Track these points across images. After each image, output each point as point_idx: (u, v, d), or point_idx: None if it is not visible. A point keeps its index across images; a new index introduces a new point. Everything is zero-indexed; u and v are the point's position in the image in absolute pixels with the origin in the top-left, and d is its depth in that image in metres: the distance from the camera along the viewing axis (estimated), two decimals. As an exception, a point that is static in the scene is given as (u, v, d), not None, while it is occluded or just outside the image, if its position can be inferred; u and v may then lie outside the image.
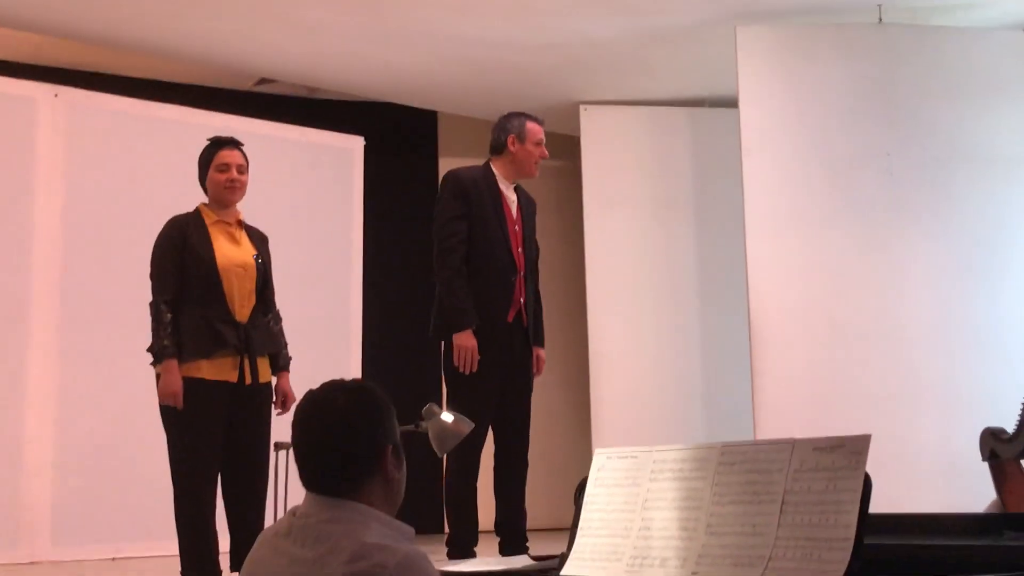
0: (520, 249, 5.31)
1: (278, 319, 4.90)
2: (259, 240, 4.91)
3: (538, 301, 5.49)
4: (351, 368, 7.87)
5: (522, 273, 5.30)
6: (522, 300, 5.29)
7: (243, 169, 4.83)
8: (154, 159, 7.20)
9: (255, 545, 2.19)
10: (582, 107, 8.18)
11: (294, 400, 4.87)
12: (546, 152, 5.45)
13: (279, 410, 4.85)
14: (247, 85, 8.51)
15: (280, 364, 4.87)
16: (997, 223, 6.71)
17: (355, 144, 8.21)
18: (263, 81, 8.41)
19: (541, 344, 5.46)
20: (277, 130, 7.73)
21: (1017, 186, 6.76)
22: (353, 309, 8.02)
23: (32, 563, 6.52)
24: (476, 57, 7.52)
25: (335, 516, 2.07)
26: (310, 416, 2.16)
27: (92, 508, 6.74)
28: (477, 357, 5.11)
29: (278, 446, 4.59)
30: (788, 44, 6.79)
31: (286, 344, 4.92)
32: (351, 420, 2.12)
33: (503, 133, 5.40)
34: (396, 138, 8.94)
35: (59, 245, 6.83)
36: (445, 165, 9.17)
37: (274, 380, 4.87)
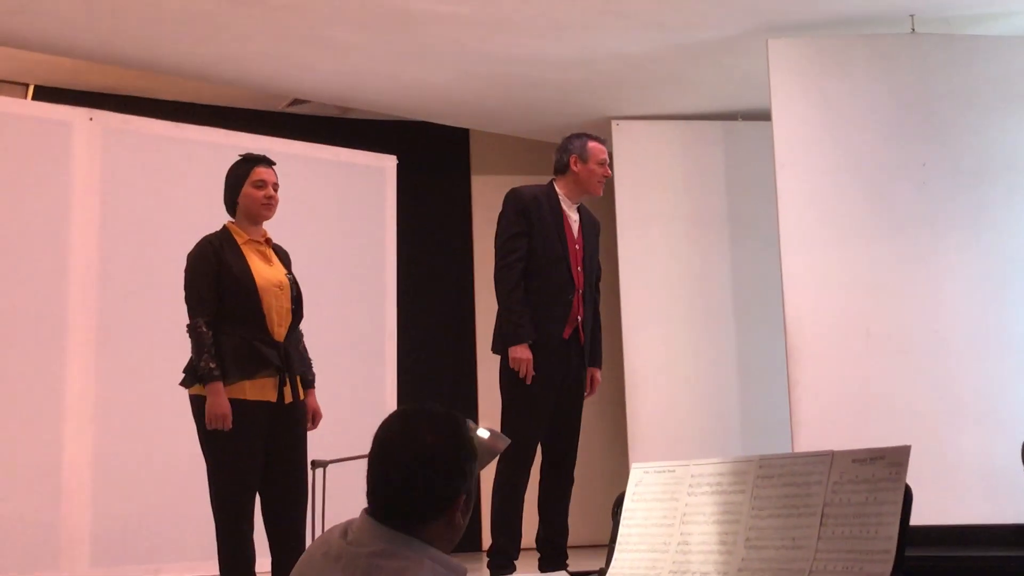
0: (580, 268, 5.35)
1: (300, 336, 4.90)
2: (286, 258, 4.92)
3: (597, 321, 5.51)
4: (386, 385, 7.88)
5: (581, 291, 5.32)
6: (579, 318, 5.31)
7: (277, 187, 4.84)
8: (188, 181, 7.24)
9: (304, 559, 2.13)
10: (614, 122, 8.17)
11: (321, 417, 4.88)
12: (608, 171, 5.49)
13: (310, 426, 4.86)
14: (280, 106, 8.56)
15: (308, 382, 4.87)
16: (1035, 234, 6.66)
17: (388, 163, 8.24)
18: (296, 102, 8.45)
19: (598, 365, 5.50)
20: (310, 150, 7.76)
21: (1055, 196, 6.70)
22: (388, 327, 8.03)
23: (72, 584, 6.56)
24: (507, 75, 7.53)
25: (388, 550, 1.99)
26: (394, 446, 2.07)
27: (131, 528, 6.76)
28: (532, 372, 5.13)
29: (315, 464, 4.59)
30: (820, 56, 6.76)
31: (311, 362, 4.93)
32: (436, 465, 2.04)
33: (565, 153, 5.47)
34: (428, 157, 8.96)
35: (95, 267, 6.88)
36: (477, 183, 9.21)
37: None
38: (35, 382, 6.63)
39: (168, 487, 6.85)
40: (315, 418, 4.86)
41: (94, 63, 7.42)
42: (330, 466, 4.69)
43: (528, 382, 5.15)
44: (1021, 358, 6.50)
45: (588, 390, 5.45)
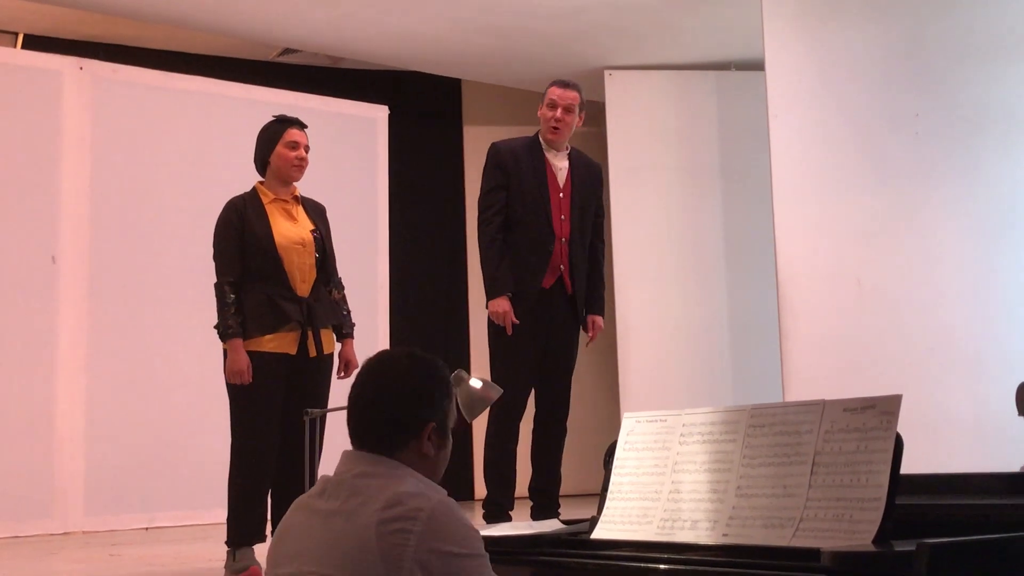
0: (564, 216, 5.29)
1: (340, 287, 4.99)
2: (316, 213, 4.98)
3: (597, 268, 5.45)
4: (378, 336, 7.88)
5: (565, 240, 5.28)
6: (562, 267, 5.27)
7: (308, 149, 4.90)
8: (179, 130, 7.22)
9: (288, 512, 2.19)
10: (607, 72, 8.14)
11: (356, 366, 4.93)
12: (559, 115, 5.28)
13: (342, 375, 4.92)
14: (270, 56, 8.51)
15: (344, 332, 4.95)
16: (1026, 185, 6.66)
17: (379, 113, 8.21)
18: (286, 51, 8.40)
19: (597, 311, 5.43)
20: (301, 100, 7.72)
21: (1047, 147, 6.70)
22: (380, 277, 8.03)
23: (65, 533, 6.58)
24: (500, 24, 7.49)
25: (370, 471, 2.08)
26: (370, 371, 2.19)
27: (124, 478, 6.79)
28: (512, 320, 5.12)
29: (306, 415, 4.61)
30: (815, 6, 6.73)
31: (349, 311, 4.98)
32: (403, 385, 2.15)
33: None
34: (420, 107, 8.93)
35: (86, 216, 6.86)
36: (469, 133, 9.17)
37: (338, 347, 4.95)
38: (27, 332, 6.64)
39: (162, 436, 6.87)
40: (348, 367, 4.93)
41: (83, 11, 7.36)
42: (323, 416, 4.69)
43: (509, 333, 5.14)
44: (1012, 308, 6.52)
45: (590, 335, 5.43)
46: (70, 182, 6.84)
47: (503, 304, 5.14)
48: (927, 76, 6.64)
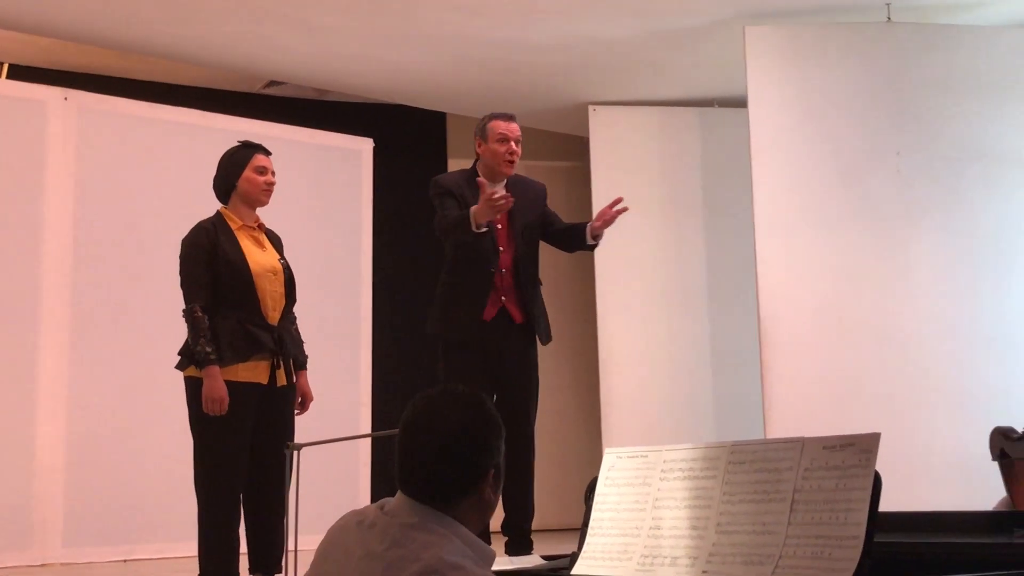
0: (503, 247, 5.22)
1: (293, 319, 4.92)
2: (278, 243, 4.95)
3: (573, 225, 5.42)
4: (361, 369, 7.88)
5: (508, 270, 5.21)
6: (503, 298, 5.19)
7: (274, 174, 4.87)
8: (164, 162, 7.22)
9: (337, 525, 2.17)
10: (591, 108, 8.18)
11: (312, 399, 4.89)
12: (513, 148, 5.26)
13: (298, 411, 4.87)
14: (256, 88, 8.53)
15: (300, 363, 4.89)
16: (1007, 222, 6.71)
17: (364, 146, 8.22)
18: (272, 83, 8.43)
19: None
20: (287, 132, 7.74)
21: (1027, 185, 6.75)
22: (363, 310, 8.02)
23: (43, 565, 6.54)
24: (485, 58, 7.53)
25: (420, 523, 2.04)
26: (424, 424, 2.11)
27: (103, 510, 6.75)
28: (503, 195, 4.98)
29: (289, 447, 4.59)
30: (797, 44, 6.78)
31: (303, 343, 4.94)
32: (464, 440, 2.09)
33: (474, 135, 5.39)
34: (405, 140, 8.94)
35: (69, 247, 6.85)
36: (454, 166, 9.16)
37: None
38: (8, 363, 6.61)
39: (141, 469, 6.84)
40: (304, 401, 4.89)
41: (69, 42, 7.38)
42: (304, 449, 4.67)
43: (503, 202, 4.95)
44: (994, 345, 6.56)
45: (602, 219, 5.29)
46: (54, 212, 6.83)
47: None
48: (908, 114, 6.70)
